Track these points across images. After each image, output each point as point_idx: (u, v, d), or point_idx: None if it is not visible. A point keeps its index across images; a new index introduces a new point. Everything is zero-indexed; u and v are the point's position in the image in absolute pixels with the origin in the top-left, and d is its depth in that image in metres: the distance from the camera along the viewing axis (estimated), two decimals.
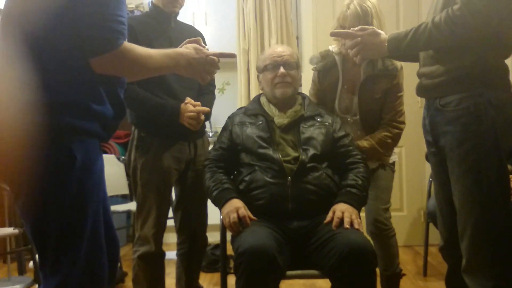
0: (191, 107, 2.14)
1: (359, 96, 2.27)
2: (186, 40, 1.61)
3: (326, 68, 2.33)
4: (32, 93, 1.24)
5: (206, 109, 2.18)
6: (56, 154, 1.27)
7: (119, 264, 3.16)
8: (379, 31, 1.70)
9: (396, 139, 2.29)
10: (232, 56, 1.69)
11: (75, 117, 1.28)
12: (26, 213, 1.30)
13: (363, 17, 2.14)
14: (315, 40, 3.88)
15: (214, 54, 1.55)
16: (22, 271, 3.34)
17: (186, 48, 1.51)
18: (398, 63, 2.26)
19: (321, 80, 2.36)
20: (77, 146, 1.28)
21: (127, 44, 1.30)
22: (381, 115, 2.30)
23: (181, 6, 2.28)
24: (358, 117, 2.30)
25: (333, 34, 1.88)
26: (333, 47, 2.35)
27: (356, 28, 1.72)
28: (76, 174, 1.28)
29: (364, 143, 2.23)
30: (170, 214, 2.40)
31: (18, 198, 1.29)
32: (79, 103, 1.29)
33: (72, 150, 1.27)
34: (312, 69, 2.40)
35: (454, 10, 1.47)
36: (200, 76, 1.55)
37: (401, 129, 2.30)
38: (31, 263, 2.85)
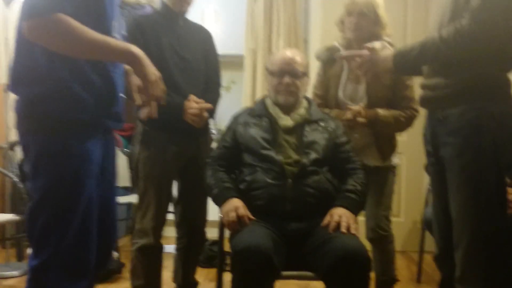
0: (194, 104, 2.17)
1: (367, 83, 2.28)
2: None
3: (331, 58, 2.39)
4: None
5: (209, 105, 2.20)
6: (54, 144, 1.34)
7: (117, 255, 3.21)
8: (386, 45, 1.72)
9: (409, 121, 2.30)
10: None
11: (69, 109, 1.35)
12: (29, 193, 1.41)
13: (370, 2, 2.21)
14: (323, 44, 3.88)
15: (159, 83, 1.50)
16: (20, 257, 3.39)
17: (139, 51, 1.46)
18: None
19: (326, 70, 2.42)
20: (73, 137, 1.37)
21: (64, 16, 1.27)
22: (393, 105, 2.30)
23: (189, 4, 2.30)
24: (363, 104, 2.29)
25: (341, 57, 1.90)
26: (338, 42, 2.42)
27: (366, 45, 1.75)
28: (72, 163, 1.35)
29: (381, 110, 2.24)
30: (171, 208, 2.43)
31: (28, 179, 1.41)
32: (70, 92, 1.35)
33: (67, 140, 1.35)
34: (317, 60, 2.47)
35: (462, 25, 1.49)
36: (144, 77, 1.44)
37: (415, 116, 2.30)
38: (29, 250, 2.89)
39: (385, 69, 1.74)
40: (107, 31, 1.43)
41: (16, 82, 1.39)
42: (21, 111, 1.39)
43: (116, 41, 1.40)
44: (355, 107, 2.20)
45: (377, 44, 1.74)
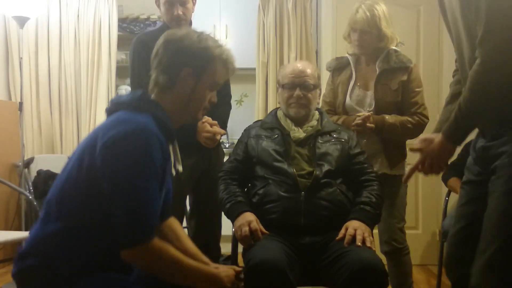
0: (208, 127, 2.17)
1: (375, 89, 2.29)
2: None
3: (339, 67, 2.44)
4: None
5: (222, 132, 2.22)
6: None
7: None
8: (432, 136, 1.67)
9: (417, 128, 2.27)
10: None
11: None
12: None
13: (372, 19, 2.24)
14: (334, 55, 3.88)
15: None
16: None
17: (225, 275, 1.49)
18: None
19: (334, 79, 2.45)
20: None
21: (158, 241, 1.32)
22: (402, 110, 2.30)
23: (186, 22, 2.31)
24: (372, 109, 2.29)
25: (406, 181, 1.86)
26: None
27: (417, 144, 1.70)
28: None
29: (388, 116, 2.24)
30: (185, 223, 2.41)
31: None
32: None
33: None
34: (327, 70, 2.52)
35: (475, 70, 1.47)
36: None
37: (424, 122, 2.29)
38: None
39: (448, 154, 1.66)
40: None
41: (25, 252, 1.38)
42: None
43: (204, 267, 1.46)
44: (364, 113, 2.21)
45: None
